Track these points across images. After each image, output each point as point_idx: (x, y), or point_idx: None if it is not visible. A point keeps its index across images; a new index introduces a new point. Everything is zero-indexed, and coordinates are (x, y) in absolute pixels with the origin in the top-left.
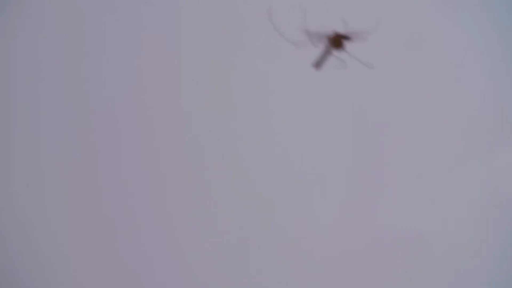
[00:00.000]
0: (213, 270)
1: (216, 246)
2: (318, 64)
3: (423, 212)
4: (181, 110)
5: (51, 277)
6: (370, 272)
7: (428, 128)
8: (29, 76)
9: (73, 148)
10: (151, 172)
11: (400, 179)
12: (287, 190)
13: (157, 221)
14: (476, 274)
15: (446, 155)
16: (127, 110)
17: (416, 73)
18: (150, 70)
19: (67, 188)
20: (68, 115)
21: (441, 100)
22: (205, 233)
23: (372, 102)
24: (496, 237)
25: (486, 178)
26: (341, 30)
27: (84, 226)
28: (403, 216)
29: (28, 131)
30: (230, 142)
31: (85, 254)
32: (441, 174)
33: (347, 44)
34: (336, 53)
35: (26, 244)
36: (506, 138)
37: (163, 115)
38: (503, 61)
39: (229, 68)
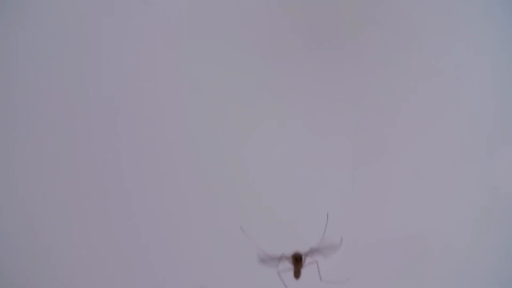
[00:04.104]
0: (214, 271)
1: (218, 247)
2: (296, 276)
3: (423, 212)
4: (181, 109)
5: (51, 276)
6: (370, 271)
7: (428, 128)
8: (29, 76)
9: (73, 148)
10: (151, 172)
11: (400, 180)
12: (288, 191)
13: (158, 221)
14: (476, 274)
15: (446, 156)
16: (126, 109)
17: (416, 74)
18: (149, 69)
19: (67, 188)
20: (68, 115)
21: (441, 101)
22: (207, 233)
23: (373, 103)
24: (495, 237)
25: (486, 179)
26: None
27: (85, 226)
28: (403, 216)
29: (28, 130)
30: (230, 141)
31: (85, 254)
32: (441, 174)
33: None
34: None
35: (27, 244)
36: (506, 139)
37: (163, 115)
38: (503, 62)
39: (230, 68)
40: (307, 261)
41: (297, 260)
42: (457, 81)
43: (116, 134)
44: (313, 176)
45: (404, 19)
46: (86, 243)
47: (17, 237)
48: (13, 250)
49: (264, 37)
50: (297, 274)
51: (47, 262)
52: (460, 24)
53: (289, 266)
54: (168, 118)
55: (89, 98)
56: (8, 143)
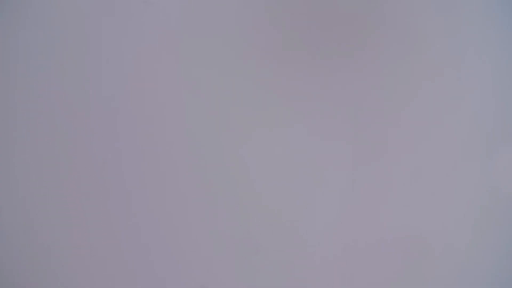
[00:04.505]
0: (214, 271)
1: (218, 247)
2: None
3: (423, 212)
4: (181, 109)
5: (51, 276)
6: (370, 271)
7: (428, 128)
8: (29, 76)
9: (73, 148)
10: (151, 172)
11: (400, 180)
12: (288, 191)
13: (158, 221)
14: (476, 274)
15: (446, 156)
16: (126, 109)
17: (416, 74)
18: (149, 69)
19: (67, 188)
20: (68, 115)
21: (441, 101)
22: (207, 233)
23: (373, 103)
24: (495, 237)
25: (486, 179)
26: None
27: (85, 226)
28: (403, 216)
29: (28, 130)
30: (230, 141)
31: (85, 254)
32: (441, 174)
33: None
34: None
35: (27, 244)
36: (506, 139)
37: (163, 115)
38: (503, 62)
39: (230, 69)
40: None
41: None
42: (457, 81)
43: (116, 134)
44: (313, 176)
45: (403, 20)
46: (86, 243)
47: (17, 237)
48: (13, 250)
49: (265, 37)
50: None
51: (47, 262)
52: (460, 24)
53: None
54: (168, 118)
55: (89, 98)
56: (8, 143)
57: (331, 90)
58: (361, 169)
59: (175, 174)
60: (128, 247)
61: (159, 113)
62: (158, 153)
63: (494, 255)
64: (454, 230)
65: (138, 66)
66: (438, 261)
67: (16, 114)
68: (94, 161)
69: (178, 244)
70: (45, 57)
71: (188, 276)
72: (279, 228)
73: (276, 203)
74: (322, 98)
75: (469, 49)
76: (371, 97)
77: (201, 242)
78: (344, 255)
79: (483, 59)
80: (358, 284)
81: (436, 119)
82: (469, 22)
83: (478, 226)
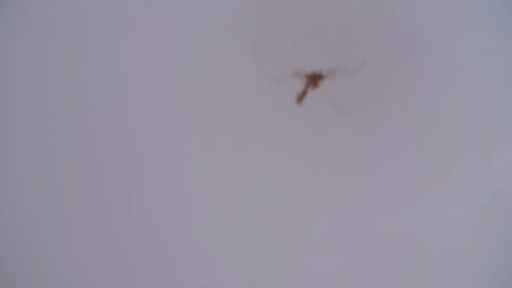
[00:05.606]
0: (214, 271)
1: (218, 247)
2: (299, 99)
3: (423, 212)
4: (182, 109)
5: (51, 276)
6: (370, 271)
7: (428, 128)
8: (29, 76)
9: (73, 148)
10: (151, 172)
11: (400, 179)
12: (288, 190)
13: (158, 221)
14: (476, 274)
15: (446, 155)
16: (126, 109)
17: (415, 73)
18: (149, 69)
19: (67, 188)
20: (68, 115)
21: (440, 99)
22: (207, 233)
23: (371, 101)
24: (495, 237)
25: (486, 179)
26: (318, 69)
27: (85, 226)
28: (403, 216)
29: (28, 130)
30: (231, 141)
31: (85, 254)
32: (441, 174)
33: (323, 83)
34: (313, 90)
35: (27, 244)
36: (507, 138)
37: (164, 115)
38: (503, 61)
39: (232, 69)
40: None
41: (316, 78)
42: (456, 81)
43: (116, 135)
44: (313, 175)
45: (404, 18)
46: (86, 243)
47: (17, 237)
48: (13, 250)
49: (267, 37)
50: (302, 97)
51: (47, 262)
52: (460, 22)
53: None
54: (168, 119)
55: (89, 98)
56: (8, 143)
57: (331, 88)
58: (361, 168)
59: (175, 174)
60: (128, 247)
61: (159, 113)
62: (158, 153)
63: (494, 255)
64: (454, 230)
65: (138, 66)
66: (438, 261)
67: (16, 114)
68: (94, 161)
69: (178, 244)
70: (45, 57)
71: (188, 276)
72: (279, 228)
73: (276, 203)
74: (321, 95)
75: (469, 49)
76: (370, 95)
77: (201, 242)
78: (344, 255)
79: (482, 58)
80: (358, 284)
81: (435, 119)
82: (469, 21)
83: (478, 226)
